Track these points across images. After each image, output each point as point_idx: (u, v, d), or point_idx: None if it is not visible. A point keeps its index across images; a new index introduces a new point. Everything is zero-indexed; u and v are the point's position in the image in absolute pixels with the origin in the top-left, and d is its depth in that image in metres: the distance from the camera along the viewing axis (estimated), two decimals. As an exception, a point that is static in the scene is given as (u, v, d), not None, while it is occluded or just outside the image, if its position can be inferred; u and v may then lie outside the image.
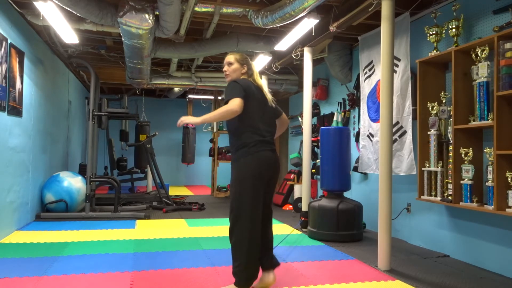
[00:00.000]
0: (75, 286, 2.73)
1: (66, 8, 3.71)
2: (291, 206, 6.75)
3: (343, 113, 5.64)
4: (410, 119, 4.00)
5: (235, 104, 2.47)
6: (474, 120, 3.27)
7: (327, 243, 4.14)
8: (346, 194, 4.68)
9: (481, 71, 3.16)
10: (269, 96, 2.82)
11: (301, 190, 5.40)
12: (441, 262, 3.53)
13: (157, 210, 6.37)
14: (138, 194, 7.79)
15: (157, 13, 4.00)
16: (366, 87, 4.75)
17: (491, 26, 3.30)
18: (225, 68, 2.81)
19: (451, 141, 3.42)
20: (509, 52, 2.89)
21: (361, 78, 4.85)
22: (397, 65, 4.10)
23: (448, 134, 3.54)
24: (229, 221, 2.62)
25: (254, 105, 2.62)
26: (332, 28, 4.15)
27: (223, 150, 8.59)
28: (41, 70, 5.38)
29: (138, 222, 5.25)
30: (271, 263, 2.73)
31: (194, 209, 6.41)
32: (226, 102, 2.52)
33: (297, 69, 6.78)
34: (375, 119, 4.53)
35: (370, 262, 3.45)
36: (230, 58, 2.81)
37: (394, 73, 3.85)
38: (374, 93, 4.58)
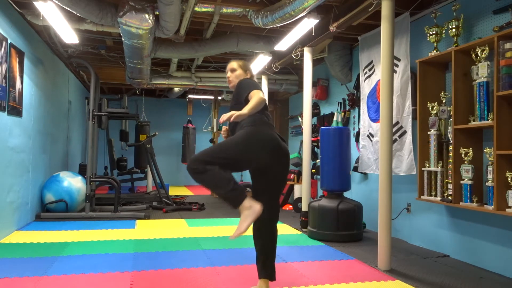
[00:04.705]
0: (75, 286, 2.73)
1: (66, 8, 3.71)
2: (291, 206, 6.74)
3: (343, 113, 5.64)
4: (410, 119, 4.00)
5: (262, 96, 2.47)
6: (474, 120, 3.27)
7: (327, 243, 4.14)
8: (346, 194, 4.68)
9: (481, 71, 3.16)
10: None
11: (301, 190, 5.40)
12: (441, 262, 3.53)
13: (157, 210, 6.37)
14: (138, 194, 7.79)
15: (157, 13, 4.00)
16: (366, 87, 4.75)
17: (491, 26, 3.30)
18: (228, 74, 2.81)
19: (451, 141, 3.42)
20: (509, 52, 2.89)
21: (361, 78, 4.85)
22: (397, 65, 4.10)
23: (448, 134, 3.54)
24: (197, 154, 2.49)
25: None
26: (332, 28, 4.15)
27: (223, 150, 8.57)
28: (41, 70, 5.38)
29: (138, 222, 5.25)
30: (269, 273, 2.60)
31: (194, 209, 6.41)
32: (246, 98, 2.48)
33: (297, 69, 6.78)
34: (375, 119, 4.53)
35: (370, 262, 3.45)
36: (233, 64, 2.81)
37: (394, 73, 3.85)
38: (374, 93, 4.58)
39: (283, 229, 4.88)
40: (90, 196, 5.57)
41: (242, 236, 2.93)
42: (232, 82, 2.80)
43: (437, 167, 3.62)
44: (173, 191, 9.06)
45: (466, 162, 3.30)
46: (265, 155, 2.49)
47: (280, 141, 2.56)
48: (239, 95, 2.60)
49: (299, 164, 6.80)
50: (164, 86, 7.24)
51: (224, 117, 2.33)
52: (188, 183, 11.31)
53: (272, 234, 2.62)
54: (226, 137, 2.76)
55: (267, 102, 2.72)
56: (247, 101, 2.47)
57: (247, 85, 2.59)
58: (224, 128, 2.78)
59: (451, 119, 3.44)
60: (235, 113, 2.31)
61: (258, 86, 2.58)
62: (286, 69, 6.75)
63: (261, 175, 2.57)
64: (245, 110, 2.35)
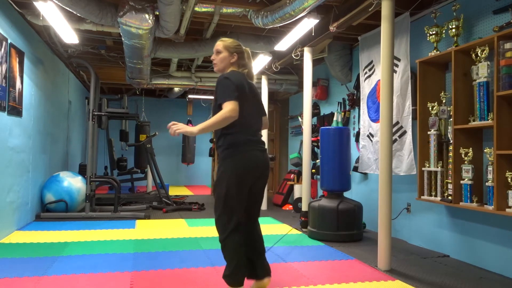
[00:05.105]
0: (75, 286, 2.73)
1: (66, 8, 3.71)
2: (291, 206, 6.74)
3: (343, 113, 5.64)
4: (410, 119, 4.00)
5: (231, 110, 2.30)
6: (474, 120, 3.27)
7: (327, 243, 4.14)
8: (346, 194, 4.68)
9: (481, 71, 3.16)
10: (258, 91, 2.66)
11: (301, 190, 5.40)
12: (441, 262, 3.53)
13: (157, 210, 6.37)
14: (138, 194, 7.79)
15: (157, 13, 4.00)
16: (366, 87, 4.75)
17: (491, 26, 3.30)
18: (213, 56, 2.60)
19: (451, 141, 3.42)
20: (509, 52, 2.89)
21: (361, 78, 4.85)
22: (397, 65, 4.10)
23: (448, 134, 3.54)
24: (217, 219, 2.49)
25: (246, 104, 2.45)
26: (332, 28, 4.15)
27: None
28: (41, 70, 5.38)
29: (138, 222, 5.25)
30: (266, 270, 2.59)
31: (194, 209, 6.41)
32: (220, 105, 2.36)
33: (297, 69, 6.78)
34: (375, 119, 4.53)
35: (370, 262, 3.45)
36: (219, 45, 2.58)
37: (394, 73, 3.85)
38: (374, 93, 4.58)
39: (283, 229, 4.88)
40: (90, 196, 5.57)
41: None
42: (216, 66, 2.60)
43: (437, 167, 3.62)
44: (173, 191, 9.06)
45: (466, 162, 3.30)
46: (252, 179, 2.50)
47: (259, 157, 2.52)
48: (217, 97, 2.43)
49: (299, 164, 6.81)
50: (164, 86, 7.24)
51: (171, 129, 2.33)
52: (188, 183, 11.32)
53: (261, 234, 2.66)
54: None
55: (266, 100, 2.65)
56: (221, 109, 2.36)
57: (224, 89, 2.38)
58: None
59: (451, 119, 3.44)
60: (182, 128, 2.30)
61: (233, 94, 2.35)
62: (286, 69, 6.75)
63: (249, 191, 2.53)
64: (195, 129, 2.32)
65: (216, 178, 2.55)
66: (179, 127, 2.33)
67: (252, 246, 2.56)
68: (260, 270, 2.57)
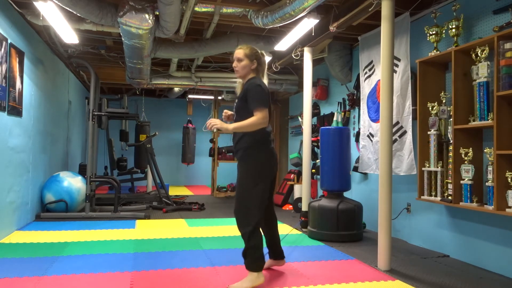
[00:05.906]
0: (75, 286, 2.73)
1: (66, 8, 3.71)
2: (291, 206, 6.74)
3: (343, 113, 5.64)
4: (410, 119, 4.00)
5: (265, 117, 2.62)
6: (474, 120, 3.27)
7: (327, 243, 4.14)
8: (346, 194, 4.68)
9: (481, 71, 3.16)
10: None
11: (301, 190, 5.40)
12: (441, 262, 3.53)
13: (157, 210, 6.37)
14: (138, 194, 7.79)
15: (157, 13, 4.00)
16: (366, 87, 4.75)
17: (491, 26, 3.30)
18: (235, 63, 2.81)
19: (451, 141, 3.42)
20: (509, 52, 2.89)
21: (361, 78, 4.85)
22: (397, 65, 4.10)
23: (448, 134, 3.54)
24: (239, 213, 2.73)
25: (269, 109, 2.75)
26: (332, 28, 4.15)
27: (223, 150, 8.60)
28: (41, 70, 5.38)
29: (138, 222, 5.25)
30: (282, 254, 3.17)
31: (194, 209, 6.41)
32: (253, 110, 2.62)
33: (297, 69, 6.78)
34: (375, 119, 4.53)
35: (370, 262, 3.45)
36: (239, 53, 2.80)
37: (394, 73, 3.85)
38: (374, 93, 4.58)
39: (283, 229, 4.88)
40: (90, 196, 5.57)
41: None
42: (238, 73, 2.83)
43: (437, 167, 3.62)
44: (173, 191, 9.06)
45: (466, 162, 3.30)
46: (271, 174, 2.84)
47: (275, 153, 2.84)
48: (247, 101, 2.69)
49: (299, 164, 6.81)
50: (164, 86, 7.24)
51: (208, 123, 2.61)
52: (188, 183, 11.32)
53: (276, 219, 3.19)
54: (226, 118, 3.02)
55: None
56: (252, 114, 2.65)
57: (258, 97, 2.66)
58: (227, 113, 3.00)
59: (451, 119, 3.44)
60: (217, 124, 2.59)
61: (266, 102, 2.66)
62: (286, 69, 6.75)
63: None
64: (231, 126, 2.64)
65: (242, 174, 2.76)
66: (216, 122, 2.63)
67: (273, 230, 3.09)
68: (277, 254, 3.13)
